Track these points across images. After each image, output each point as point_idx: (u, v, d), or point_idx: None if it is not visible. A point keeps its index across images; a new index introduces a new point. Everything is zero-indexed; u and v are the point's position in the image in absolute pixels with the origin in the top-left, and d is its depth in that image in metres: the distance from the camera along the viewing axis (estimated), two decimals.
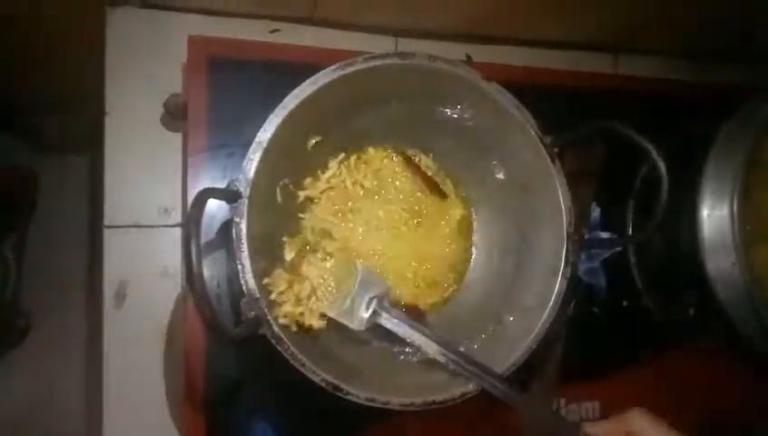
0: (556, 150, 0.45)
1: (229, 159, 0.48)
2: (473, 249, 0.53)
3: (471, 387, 0.41)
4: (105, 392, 0.48)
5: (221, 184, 0.47)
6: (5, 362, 0.98)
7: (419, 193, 0.52)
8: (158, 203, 0.51)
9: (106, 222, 0.50)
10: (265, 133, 0.38)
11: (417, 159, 0.52)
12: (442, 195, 0.52)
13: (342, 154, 0.49)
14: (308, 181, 0.47)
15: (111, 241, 0.50)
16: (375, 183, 0.50)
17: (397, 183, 0.51)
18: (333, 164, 0.48)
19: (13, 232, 0.99)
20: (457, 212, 0.52)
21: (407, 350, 0.45)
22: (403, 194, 0.51)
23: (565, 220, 0.44)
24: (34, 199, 1.04)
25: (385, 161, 0.51)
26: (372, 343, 0.45)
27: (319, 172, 0.48)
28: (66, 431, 1.00)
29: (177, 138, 0.52)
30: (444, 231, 0.52)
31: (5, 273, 0.94)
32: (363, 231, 0.49)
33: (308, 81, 0.39)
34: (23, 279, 0.98)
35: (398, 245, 0.50)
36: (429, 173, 0.52)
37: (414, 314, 0.48)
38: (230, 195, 0.37)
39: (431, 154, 0.52)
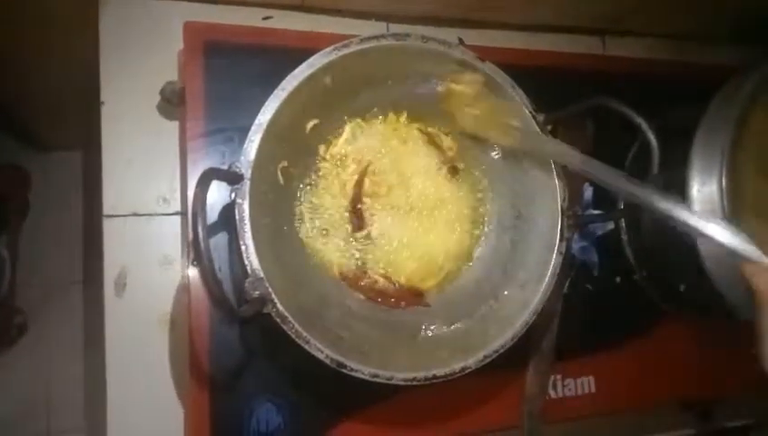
0: (548, 127, 0.46)
1: (227, 144, 0.48)
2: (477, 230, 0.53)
3: (471, 361, 0.42)
4: (108, 380, 0.48)
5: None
6: (3, 361, 0.98)
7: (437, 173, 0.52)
8: (157, 191, 0.51)
9: (105, 211, 0.50)
10: (265, 115, 0.39)
11: (439, 139, 0.52)
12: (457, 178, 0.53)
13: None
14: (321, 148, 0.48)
15: (110, 230, 0.50)
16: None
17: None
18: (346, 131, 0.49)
19: (7, 231, 0.98)
20: (470, 196, 0.53)
21: (410, 327, 0.46)
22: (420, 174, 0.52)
23: (559, 196, 0.45)
24: (26, 198, 1.04)
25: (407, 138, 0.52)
26: (374, 322, 0.46)
27: (331, 138, 0.49)
28: (66, 428, 1.00)
29: (174, 126, 0.52)
30: (453, 215, 0.52)
31: (1, 272, 0.94)
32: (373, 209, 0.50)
33: (305, 62, 0.40)
34: (18, 277, 0.97)
35: (406, 227, 0.51)
36: (451, 154, 0.52)
37: (413, 296, 0.49)
38: (232, 177, 0.37)
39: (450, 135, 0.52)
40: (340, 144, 0.49)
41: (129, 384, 0.48)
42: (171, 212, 0.51)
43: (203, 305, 0.46)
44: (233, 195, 0.39)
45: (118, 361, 0.48)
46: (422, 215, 0.51)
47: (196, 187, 0.33)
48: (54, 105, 0.84)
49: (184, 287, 0.49)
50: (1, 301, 0.94)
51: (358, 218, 0.48)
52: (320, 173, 0.49)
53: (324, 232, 0.48)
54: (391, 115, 0.51)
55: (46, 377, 1.00)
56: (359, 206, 0.48)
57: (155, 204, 0.51)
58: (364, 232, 0.48)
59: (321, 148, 0.49)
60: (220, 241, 0.47)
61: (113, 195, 0.50)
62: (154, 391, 0.49)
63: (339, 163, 0.49)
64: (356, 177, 0.49)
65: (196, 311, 0.46)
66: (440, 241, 0.51)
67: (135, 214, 0.51)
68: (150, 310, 0.50)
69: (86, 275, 1.03)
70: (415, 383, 0.41)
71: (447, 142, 0.53)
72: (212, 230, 0.47)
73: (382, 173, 0.50)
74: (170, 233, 0.51)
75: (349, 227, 0.49)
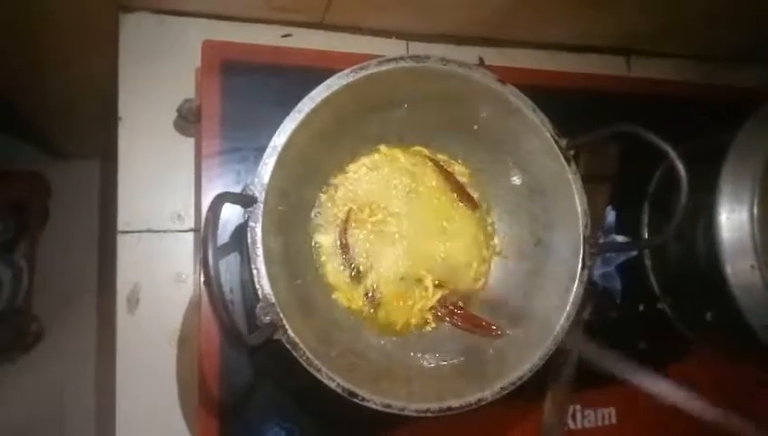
0: (571, 153, 0.44)
1: (242, 163, 0.48)
2: (491, 255, 0.52)
3: (487, 393, 0.41)
4: (118, 397, 0.48)
5: (235, 188, 0.48)
6: (18, 367, 0.98)
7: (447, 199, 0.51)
8: (171, 208, 0.51)
9: (120, 227, 0.50)
10: (280, 138, 0.38)
11: (451, 168, 0.52)
12: (471, 204, 0.52)
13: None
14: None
15: (124, 246, 0.50)
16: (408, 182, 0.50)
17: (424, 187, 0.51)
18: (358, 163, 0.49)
19: (25, 239, 0.99)
20: (483, 219, 0.52)
21: (423, 356, 0.45)
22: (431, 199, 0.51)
23: (581, 223, 0.44)
24: (46, 206, 1.05)
25: (417, 165, 0.51)
26: (388, 350, 0.45)
27: (344, 163, 0.48)
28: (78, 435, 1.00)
29: (190, 143, 0.52)
30: (467, 239, 0.51)
31: (18, 280, 0.95)
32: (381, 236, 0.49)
33: (322, 84, 0.39)
34: (35, 284, 0.98)
35: (420, 250, 0.50)
36: (463, 180, 0.51)
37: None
38: (245, 200, 0.37)
39: (460, 160, 0.52)
40: (351, 170, 0.49)
41: (138, 402, 0.48)
42: (185, 229, 0.51)
43: (214, 327, 0.45)
44: (246, 217, 0.38)
45: (128, 379, 0.48)
46: (431, 241, 0.50)
47: (208, 212, 0.33)
48: (74, 114, 0.85)
49: (196, 306, 0.48)
50: (18, 308, 0.94)
51: (344, 251, 0.47)
52: (331, 196, 0.49)
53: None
54: (399, 142, 0.50)
55: (60, 384, 1.00)
56: (345, 241, 0.48)
57: (169, 221, 0.51)
58: (353, 265, 0.48)
59: (334, 172, 0.48)
60: (232, 261, 0.47)
61: (128, 211, 0.50)
62: (163, 410, 0.49)
63: (346, 188, 0.49)
64: (346, 208, 0.48)
65: (206, 332, 0.45)
66: (451, 268, 0.50)
67: (149, 231, 0.51)
68: (161, 327, 0.50)
69: (101, 284, 1.04)
70: (428, 415, 0.40)
71: (459, 168, 0.52)
72: (225, 249, 0.47)
73: (384, 202, 0.50)
74: (183, 251, 0.51)
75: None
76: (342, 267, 0.48)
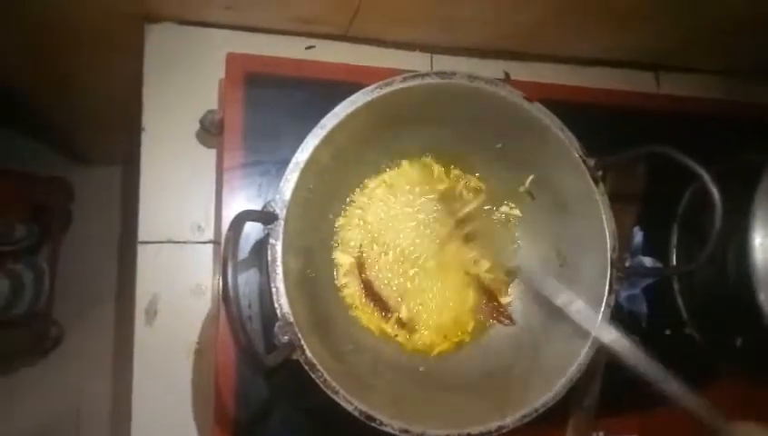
0: (599, 173, 0.43)
1: (264, 176, 0.47)
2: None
3: (508, 421, 0.39)
4: (134, 407, 0.48)
5: (256, 201, 0.47)
6: (37, 371, 0.99)
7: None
8: (191, 219, 0.51)
9: (140, 237, 0.50)
10: (303, 154, 0.38)
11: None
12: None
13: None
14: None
15: (144, 256, 0.50)
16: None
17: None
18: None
19: (48, 243, 1.00)
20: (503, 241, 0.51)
21: (443, 379, 0.44)
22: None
23: (609, 245, 0.43)
24: (69, 210, 1.06)
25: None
26: (407, 370, 0.44)
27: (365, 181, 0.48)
28: None
29: (212, 154, 0.52)
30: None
31: (40, 283, 0.96)
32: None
33: (346, 100, 0.39)
34: (56, 288, 0.99)
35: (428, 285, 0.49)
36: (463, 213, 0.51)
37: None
38: (266, 217, 0.36)
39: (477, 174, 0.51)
40: (370, 187, 0.49)
41: (154, 412, 0.48)
42: (204, 240, 0.51)
43: (231, 341, 0.45)
44: (266, 233, 0.37)
45: (144, 389, 0.48)
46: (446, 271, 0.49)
47: (228, 231, 0.32)
48: (98, 122, 0.86)
49: (214, 318, 0.48)
50: (38, 311, 0.95)
51: (367, 291, 0.47)
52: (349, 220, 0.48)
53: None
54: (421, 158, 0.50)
55: (77, 389, 1.01)
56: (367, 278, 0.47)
57: (189, 232, 0.51)
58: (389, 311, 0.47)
59: (354, 190, 0.48)
60: (252, 275, 0.46)
61: (149, 222, 0.50)
62: (178, 421, 0.48)
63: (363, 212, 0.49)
64: (359, 247, 0.48)
65: (223, 346, 0.45)
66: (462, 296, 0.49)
67: (170, 241, 0.50)
68: (179, 339, 0.49)
69: (120, 290, 1.04)
70: None
71: (467, 196, 0.51)
72: (245, 263, 0.46)
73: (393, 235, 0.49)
74: (203, 262, 0.51)
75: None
76: (372, 305, 0.47)
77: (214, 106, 0.51)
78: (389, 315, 0.47)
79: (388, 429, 0.37)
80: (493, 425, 0.39)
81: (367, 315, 0.46)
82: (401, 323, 0.47)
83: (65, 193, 1.05)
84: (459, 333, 0.48)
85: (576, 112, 0.45)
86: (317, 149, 0.38)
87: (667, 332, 0.57)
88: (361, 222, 0.48)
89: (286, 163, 0.39)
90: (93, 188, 1.07)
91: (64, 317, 1.01)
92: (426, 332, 0.47)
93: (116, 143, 0.94)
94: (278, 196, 0.37)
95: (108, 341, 1.02)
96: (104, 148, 1.01)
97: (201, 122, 0.49)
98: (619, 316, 0.55)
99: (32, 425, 0.97)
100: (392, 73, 0.42)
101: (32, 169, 1.00)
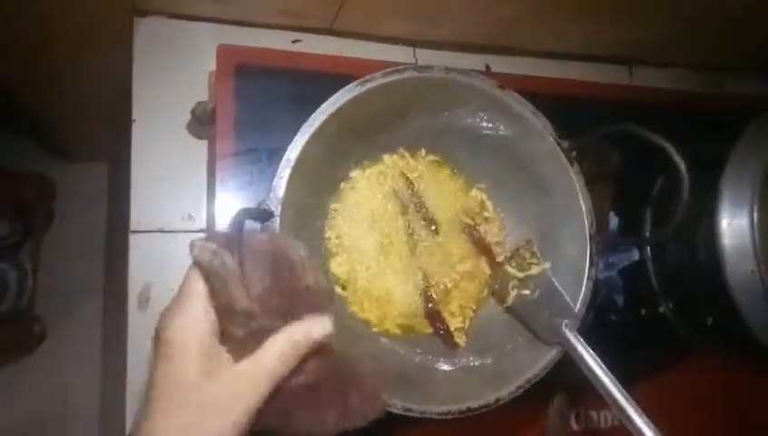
0: (573, 153, 0.45)
1: (255, 164, 0.49)
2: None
3: (504, 393, 0.41)
4: (129, 393, 0.48)
5: (248, 189, 0.49)
6: (21, 368, 0.98)
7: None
8: (182, 208, 0.52)
9: (132, 227, 0.51)
10: (293, 152, 0.39)
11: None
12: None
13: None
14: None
15: (136, 246, 0.50)
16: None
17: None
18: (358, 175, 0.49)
19: (30, 240, 1.00)
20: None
21: (437, 359, 0.46)
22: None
23: (586, 221, 0.45)
24: (51, 207, 1.05)
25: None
26: (404, 354, 0.46)
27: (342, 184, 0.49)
28: None
29: (201, 145, 0.53)
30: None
31: (22, 281, 0.95)
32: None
33: (331, 98, 0.41)
34: (39, 285, 0.98)
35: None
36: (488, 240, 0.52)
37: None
38: (263, 215, 0.38)
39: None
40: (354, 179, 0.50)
41: None
42: (195, 229, 0.52)
43: None
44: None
45: (138, 375, 0.48)
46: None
47: (229, 229, 0.33)
48: (84, 117, 0.85)
49: None
50: (22, 309, 0.95)
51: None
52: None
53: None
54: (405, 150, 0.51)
55: (63, 386, 1.00)
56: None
57: (181, 222, 0.52)
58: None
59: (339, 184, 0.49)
60: None
61: (140, 211, 0.51)
62: None
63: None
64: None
65: None
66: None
67: (161, 231, 0.51)
68: None
69: (106, 286, 1.04)
70: (449, 417, 0.40)
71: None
72: None
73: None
74: None
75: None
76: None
77: (203, 98, 0.52)
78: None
79: (392, 409, 0.39)
80: (491, 398, 0.41)
81: (360, 305, 0.48)
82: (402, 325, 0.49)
83: (48, 190, 1.04)
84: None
85: (553, 103, 0.48)
86: (306, 145, 0.40)
87: (643, 312, 0.59)
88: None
89: (277, 151, 0.40)
90: (77, 185, 1.07)
91: (48, 314, 1.00)
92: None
93: (101, 138, 0.93)
94: (272, 194, 0.39)
95: (93, 337, 1.01)
96: (88, 144, 1.00)
97: (193, 112, 0.50)
98: (597, 297, 0.57)
99: (18, 422, 0.96)
100: (377, 65, 0.43)
101: (14, 166, 0.99)
